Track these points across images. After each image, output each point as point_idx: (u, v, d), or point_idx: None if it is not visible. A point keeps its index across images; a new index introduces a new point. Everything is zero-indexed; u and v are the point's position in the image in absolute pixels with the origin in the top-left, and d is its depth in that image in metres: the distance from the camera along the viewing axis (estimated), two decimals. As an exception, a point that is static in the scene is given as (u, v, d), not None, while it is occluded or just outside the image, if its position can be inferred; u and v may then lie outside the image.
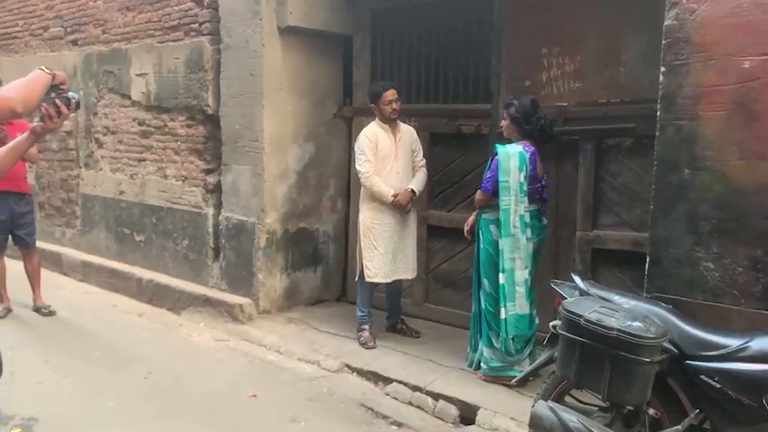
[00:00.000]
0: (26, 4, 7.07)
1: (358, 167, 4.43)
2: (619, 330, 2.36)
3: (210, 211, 5.40)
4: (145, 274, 5.86)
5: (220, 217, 5.33)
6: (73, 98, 2.38)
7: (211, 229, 5.40)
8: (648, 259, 3.16)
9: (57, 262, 6.61)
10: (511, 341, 3.81)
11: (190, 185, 5.55)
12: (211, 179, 5.38)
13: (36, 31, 6.94)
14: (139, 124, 5.93)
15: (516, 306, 3.78)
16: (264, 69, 4.88)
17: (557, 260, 4.36)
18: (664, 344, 2.41)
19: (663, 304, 2.69)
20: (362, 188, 4.50)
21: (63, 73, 2.34)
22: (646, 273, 3.17)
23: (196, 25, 5.29)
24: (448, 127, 4.92)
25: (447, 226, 4.95)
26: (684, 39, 2.97)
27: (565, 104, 4.22)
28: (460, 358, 4.20)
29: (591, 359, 2.46)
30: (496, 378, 3.86)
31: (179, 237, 5.67)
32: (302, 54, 5.12)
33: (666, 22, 3.03)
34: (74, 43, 6.51)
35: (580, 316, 2.47)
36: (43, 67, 2.28)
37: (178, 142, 5.60)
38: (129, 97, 5.96)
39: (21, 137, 2.52)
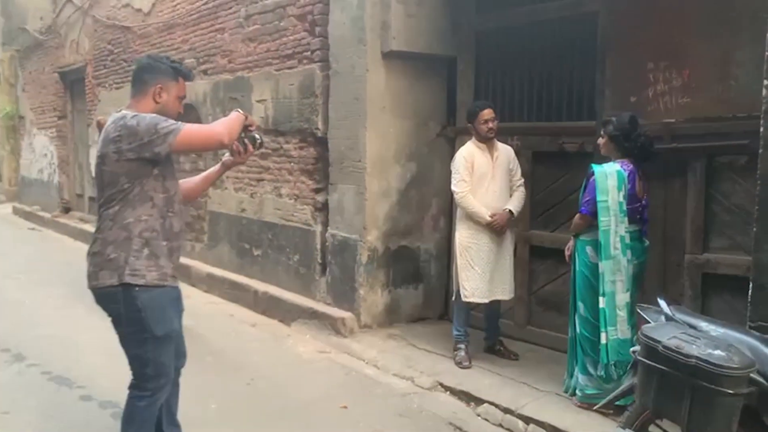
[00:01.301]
0: (166, 39, 7.83)
1: (453, 187, 4.47)
2: (698, 358, 2.22)
3: (318, 228, 5.66)
4: (261, 286, 6.23)
5: (326, 234, 5.57)
6: (258, 139, 2.84)
7: (318, 246, 5.65)
8: (751, 286, 2.94)
9: (186, 274, 7.18)
10: (612, 367, 3.66)
11: (301, 203, 5.85)
12: (320, 198, 5.65)
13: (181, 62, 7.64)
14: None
15: (617, 330, 3.61)
16: (367, 92, 5.07)
17: (665, 285, 4.12)
18: (754, 376, 2.24)
19: (757, 334, 2.49)
20: (458, 207, 4.54)
21: (253, 117, 2.84)
22: (749, 300, 2.94)
23: (309, 53, 5.61)
24: (551, 145, 4.83)
25: (550, 246, 4.84)
26: (790, 49, 2.76)
27: (673, 120, 4.01)
28: (558, 382, 4.08)
29: (670, 388, 2.33)
30: (591, 405, 3.70)
31: (291, 252, 5.98)
32: (405, 77, 5.26)
33: (770, 33, 2.83)
34: (205, 72, 7.11)
35: (659, 342, 2.35)
36: (239, 110, 2.77)
37: (292, 163, 5.93)
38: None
39: (212, 168, 3.05)
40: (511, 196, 4.53)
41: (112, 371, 2.78)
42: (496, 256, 4.47)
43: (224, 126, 2.71)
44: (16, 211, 13.73)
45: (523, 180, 4.61)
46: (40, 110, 13.06)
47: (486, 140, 4.48)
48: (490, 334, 4.76)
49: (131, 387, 2.76)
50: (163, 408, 2.95)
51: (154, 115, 2.62)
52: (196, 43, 7.25)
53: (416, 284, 5.52)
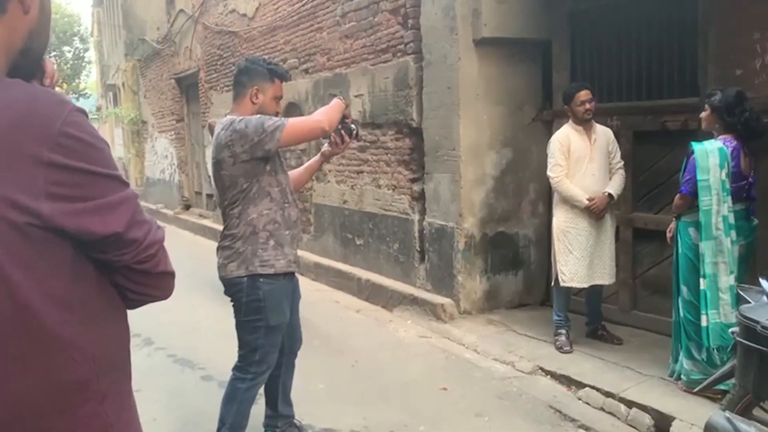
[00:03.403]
0: (270, 41, 8.23)
1: (548, 172, 4.45)
2: (801, 339, 2.15)
3: (416, 217, 5.80)
4: (364, 274, 6.46)
5: (424, 223, 5.69)
6: (354, 129, 3.02)
7: (416, 234, 5.79)
8: None
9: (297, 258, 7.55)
10: (715, 351, 3.55)
11: (398, 193, 6.01)
12: (416, 187, 5.78)
13: (278, 64, 8.01)
14: (358, 140, 6.55)
15: (720, 314, 3.49)
16: (460, 81, 5.13)
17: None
18: None
19: None
20: (555, 192, 4.51)
21: (350, 107, 3.01)
22: None
23: (402, 45, 5.74)
24: (653, 124, 4.68)
25: (654, 228, 4.70)
26: None
27: (782, 92, 3.80)
28: (663, 367, 4.00)
29: (772, 370, 2.26)
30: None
31: (391, 241, 6.16)
32: (497, 63, 5.26)
33: None
34: (306, 71, 7.42)
35: (757, 322, 2.28)
36: (339, 97, 2.95)
37: (389, 155, 6.10)
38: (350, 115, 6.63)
39: (313, 159, 3.31)
40: (610, 179, 4.45)
41: (229, 354, 3.04)
42: (595, 240, 4.41)
43: (324, 114, 2.88)
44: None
45: (622, 162, 4.50)
46: (160, 115, 14.08)
47: (583, 122, 4.42)
48: (591, 318, 4.70)
49: (235, 369, 3.01)
50: (279, 387, 3.20)
51: (258, 115, 2.83)
52: (297, 43, 7.58)
53: (515, 270, 5.53)
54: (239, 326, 2.96)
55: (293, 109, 7.66)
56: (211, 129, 3.03)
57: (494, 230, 5.39)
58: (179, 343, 5.02)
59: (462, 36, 5.10)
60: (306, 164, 3.38)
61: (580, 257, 4.40)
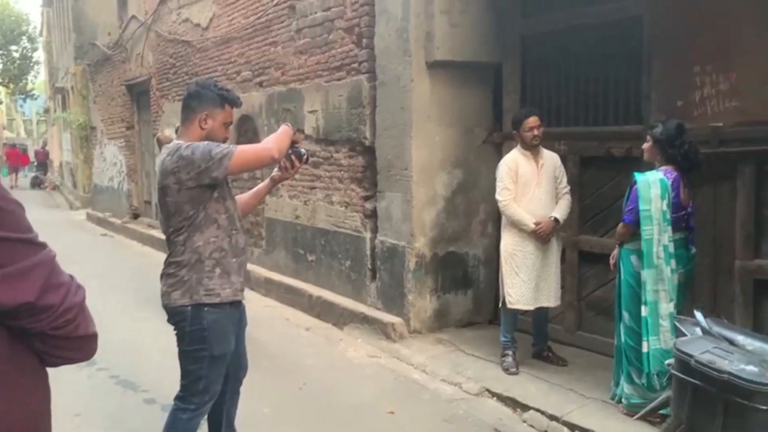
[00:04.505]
0: (224, 52, 8.14)
1: (497, 195, 4.52)
2: (730, 373, 2.23)
3: (368, 234, 5.80)
4: (315, 291, 6.42)
5: (376, 241, 5.70)
6: (305, 154, 2.99)
7: (368, 252, 5.79)
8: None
9: (245, 278, 7.45)
10: (655, 376, 3.64)
11: (351, 211, 6.00)
12: (369, 205, 5.79)
13: (231, 75, 7.95)
14: (311, 155, 6.53)
15: (660, 340, 3.59)
16: (413, 102, 5.17)
17: (715, 292, 4.07)
18: (790, 393, 2.22)
19: (796, 348, 2.46)
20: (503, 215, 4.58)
21: (303, 129, 2.93)
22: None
23: (356, 64, 5.75)
24: (599, 150, 4.80)
25: (599, 251, 4.82)
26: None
27: (721, 124, 3.95)
28: (605, 389, 4.08)
29: (703, 403, 2.35)
30: (636, 414, 3.69)
31: (343, 258, 6.15)
32: (450, 85, 5.33)
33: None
34: (260, 84, 7.36)
35: (692, 356, 2.37)
36: (288, 123, 2.91)
37: (342, 172, 6.10)
38: (302, 132, 6.60)
39: (262, 184, 3.25)
40: (557, 203, 4.54)
41: (175, 375, 2.96)
42: (541, 263, 4.49)
43: (274, 142, 2.85)
44: (89, 218, 14.50)
45: (569, 187, 4.60)
46: (109, 121, 13.76)
47: (531, 147, 4.50)
48: (537, 340, 4.78)
49: (177, 399, 2.94)
50: (223, 416, 3.14)
51: (206, 142, 2.78)
52: (251, 56, 7.51)
53: (465, 289, 5.59)
54: (182, 355, 2.90)
55: (247, 122, 7.60)
56: (160, 143, 2.97)
57: (445, 250, 5.44)
58: (122, 363, 4.89)
59: (415, 58, 5.14)
60: (255, 189, 3.34)
61: (526, 280, 4.47)
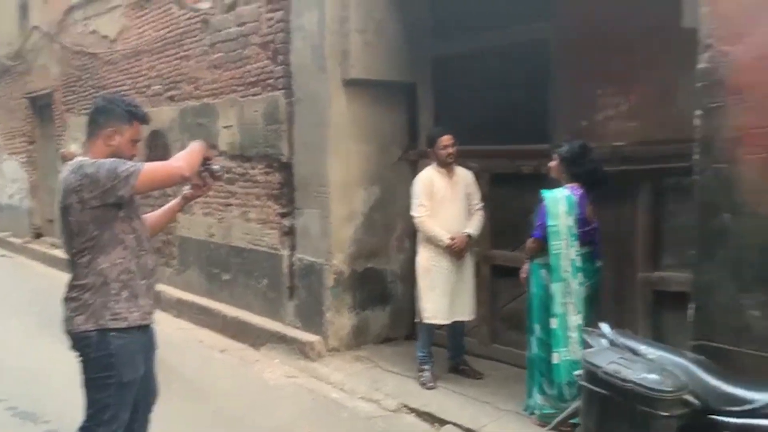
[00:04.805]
0: (134, 65, 7.87)
1: (412, 212, 4.58)
2: (634, 382, 2.34)
3: (285, 252, 5.73)
4: (230, 311, 6.26)
5: (293, 258, 5.63)
6: (219, 171, 2.87)
7: (286, 270, 5.71)
8: (692, 306, 3.07)
9: (156, 299, 7.15)
10: (566, 387, 3.77)
11: (268, 228, 5.91)
12: (286, 222, 5.72)
13: (141, 89, 7.69)
14: (226, 171, 6.39)
15: (569, 351, 3.73)
16: (330, 119, 5.17)
17: (619, 303, 4.27)
18: (687, 398, 2.35)
19: (692, 356, 2.62)
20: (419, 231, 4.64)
21: (211, 150, 2.82)
22: (691, 320, 3.08)
23: (272, 80, 5.70)
24: (509, 167, 4.96)
25: (511, 265, 4.95)
26: (718, 82, 2.93)
27: (621, 144, 4.17)
28: (520, 401, 4.18)
29: (611, 412, 2.44)
30: (549, 424, 3.80)
31: (260, 276, 6.03)
32: (366, 103, 5.37)
33: (700, 65, 2.99)
34: (172, 99, 7.16)
35: (599, 367, 2.46)
36: (201, 140, 2.78)
37: (258, 188, 6.00)
38: (217, 148, 6.46)
39: (173, 202, 3.08)
40: (470, 219, 4.64)
41: (79, 404, 2.80)
42: (456, 278, 4.57)
43: (184, 159, 2.74)
44: (-14, 238, 13.55)
45: (482, 204, 4.72)
46: (9, 135, 12.95)
47: (446, 165, 4.60)
48: (454, 353, 4.85)
49: (82, 429, 2.77)
50: None
51: (112, 159, 2.65)
52: (162, 69, 7.30)
53: (383, 305, 5.61)
54: (87, 383, 2.74)
55: (158, 137, 7.35)
56: (65, 159, 2.81)
57: (363, 266, 5.44)
58: (21, 393, 4.58)
59: (331, 75, 5.15)
60: (166, 207, 3.21)
61: (442, 294, 4.54)
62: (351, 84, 5.21)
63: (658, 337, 3.96)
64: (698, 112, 3.01)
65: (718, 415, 2.34)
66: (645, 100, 4.07)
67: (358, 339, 5.46)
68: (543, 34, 4.62)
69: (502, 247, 5.07)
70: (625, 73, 4.13)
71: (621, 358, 2.49)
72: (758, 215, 2.82)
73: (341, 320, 5.35)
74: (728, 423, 2.30)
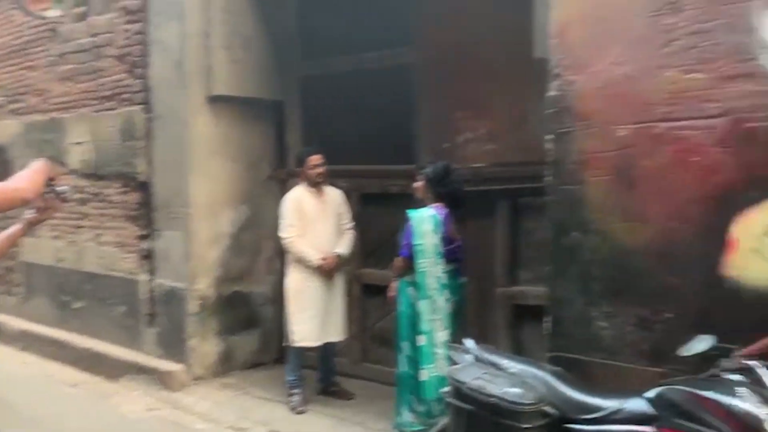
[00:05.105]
0: (-30, 75, 7.14)
1: (280, 233, 4.51)
2: (497, 396, 2.42)
3: (144, 277, 5.40)
4: (83, 341, 5.80)
5: (153, 284, 5.33)
6: (64, 193, 2.56)
7: (145, 296, 5.39)
8: (548, 319, 3.25)
9: (-6, 332, 6.51)
10: (434, 403, 3.83)
11: (125, 252, 5.56)
12: (145, 245, 5.40)
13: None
14: (78, 191, 5.96)
15: (436, 368, 3.80)
16: (193, 136, 4.99)
17: (482, 318, 4.44)
18: (546, 409, 2.47)
19: (550, 368, 2.76)
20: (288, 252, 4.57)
21: (61, 167, 2.51)
22: (547, 332, 3.26)
23: (129, 94, 5.39)
24: (378, 187, 5.04)
25: (381, 284, 4.99)
26: (566, 108, 3.14)
27: (481, 165, 4.37)
28: (390, 419, 4.19)
29: (477, 426, 2.51)
30: (418, 440, 3.86)
31: (116, 304, 5.65)
32: (233, 120, 5.23)
33: (549, 93, 3.20)
34: (15, 112, 6.57)
35: (464, 383, 2.53)
36: (45, 159, 2.46)
37: (113, 209, 5.64)
38: (65, 165, 6.00)
39: (14, 227, 2.70)
40: (340, 238, 4.64)
41: None
42: (327, 298, 4.54)
43: (26, 180, 2.48)
44: None
45: (352, 223, 4.74)
46: None
47: (315, 185, 4.57)
48: (324, 375, 4.80)
49: None
50: None
51: None
52: (4, 80, 6.69)
53: (252, 329, 5.45)
54: None
55: (-1, 153, 6.71)
56: None
57: (230, 290, 5.26)
58: None
59: (194, 91, 4.98)
60: (7, 232, 2.89)
61: (312, 316, 4.49)
62: (216, 101, 5.06)
63: (519, 350, 4.17)
64: (549, 137, 3.21)
65: (573, 423, 2.47)
66: (501, 124, 4.30)
67: (225, 366, 5.26)
68: (407, 59, 4.75)
69: (372, 266, 5.12)
70: (483, 98, 4.35)
71: (485, 373, 2.57)
72: (603, 233, 3.05)
73: (206, 347, 5.13)
74: (582, 431, 2.44)
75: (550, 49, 3.21)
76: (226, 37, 5.02)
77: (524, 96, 4.11)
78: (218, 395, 4.87)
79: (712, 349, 2.43)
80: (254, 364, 5.46)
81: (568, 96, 3.13)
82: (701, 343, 2.47)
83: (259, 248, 5.46)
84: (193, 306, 5.03)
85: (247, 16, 5.14)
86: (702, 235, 2.80)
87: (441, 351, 3.78)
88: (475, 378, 2.54)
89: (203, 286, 5.08)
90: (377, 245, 5.09)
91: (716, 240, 2.76)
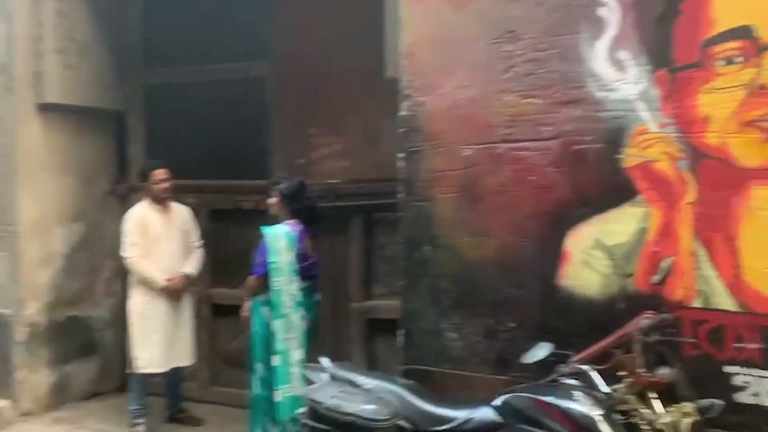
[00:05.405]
0: None
1: (123, 252, 4.23)
2: (353, 414, 2.42)
3: (-39, 304, 4.81)
4: None
5: (-27, 311, 4.76)
6: None
7: (-38, 325, 4.80)
8: (401, 332, 3.32)
9: None
10: (289, 424, 3.75)
11: (-65, 276, 4.91)
12: (-37, 268, 4.81)
13: None
14: None
15: (291, 388, 3.73)
16: (20, 147, 4.54)
17: (336, 333, 4.45)
18: (400, 423, 2.51)
19: (403, 382, 2.82)
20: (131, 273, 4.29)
21: None
22: (401, 345, 3.33)
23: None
24: (229, 203, 4.89)
25: (233, 303, 4.82)
26: (416, 128, 3.25)
27: (335, 181, 4.40)
28: (243, 443, 4.07)
29: (336, 447, 2.49)
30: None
31: (-76, 335, 4.96)
32: (67, 131, 4.83)
33: (401, 113, 3.29)
34: None
35: (320, 402, 2.50)
36: None
37: None
38: None
39: None
40: (188, 258, 4.43)
41: None
42: (174, 321, 4.31)
43: None
44: None
45: (201, 241, 4.54)
46: None
47: (160, 201, 4.33)
48: (171, 402, 4.55)
49: None
50: None
51: None
52: None
53: (89, 357, 5.03)
54: None
55: None
56: None
57: (64, 315, 4.82)
58: None
59: (22, 98, 4.53)
60: None
61: (158, 340, 4.24)
62: (47, 109, 4.64)
63: (374, 364, 4.23)
64: (401, 155, 3.30)
65: (427, 435, 2.53)
66: (356, 141, 4.37)
67: (59, 398, 4.80)
68: (258, 72, 4.68)
69: (223, 285, 4.94)
70: (338, 115, 4.39)
71: (341, 391, 2.56)
72: (451, 247, 3.18)
73: (36, 378, 4.65)
74: (432, 442, 2.51)
75: (401, 70, 3.30)
76: (59, 41, 4.63)
77: (378, 114, 4.20)
78: (49, 431, 4.43)
79: (551, 355, 2.60)
80: (93, 394, 5.04)
81: (418, 116, 3.23)
82: (541, 351, 2.64)
83: (97, 269, 5.07)
84: (20, 334, 4.55)
85: (83, 21, 4.78)
86: (539, 248, 3.01)
87: (296, 370, 3.72)
88: (331, 397, 2.53)
89: (33, 311, 4.61)
90: (228, 264, 4.92)
91: (552, 253, 2.98)
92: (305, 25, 4.44)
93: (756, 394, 2.64)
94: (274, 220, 3.97)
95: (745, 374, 2.65)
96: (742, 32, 2.61)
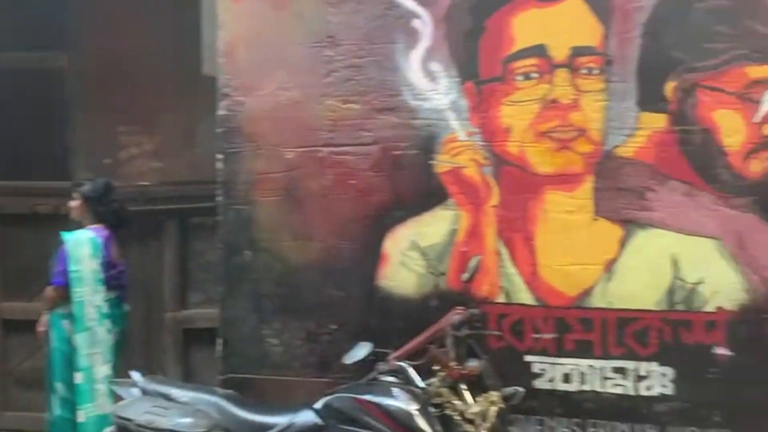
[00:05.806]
0: None
1: None
2: (168, 430, 2.29)
3: None
4: None
5: None
6: None
7: None
8: (220, 341, 3.22)
9: None
10: (94, 445, 3.47)
11: None
12: None
13: None
14: None
15: (97, 406, 3.45)
16: None
17: (149, 345, 4.20)
18: (221, 435, 2.42)
19: (221, 391, 2.73)
20: None
21: None
22: (219, 355, 3.22)
23: None
24: (23, 206, 4.41)
25: (27, 318, 4.35)
26: (236, 129, 3.18)
27: (147, 183, 4.15)
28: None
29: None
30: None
31: None
32: None
33: (219, 112, 3.20)
34: None
35: (131, 420, 2.34)
36: None
37: None
38: None
39: None
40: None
41: None
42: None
43: None
44: None
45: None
46: None
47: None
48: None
49: None
50: None
51: None
52: None
53: None
54: None
55: None
56: None
57: None
58: None
59: None
60: None
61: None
62: None
63: (191, 376, 4.04)
64: (219, 156, 3.21)
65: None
66: (170, 140, 4.15)
67: None
68: (57, 63, 4.27)
69: (15, 299, 4.44)
70: (150, 112, 4.15)
71: (155, 406, 2.42)
72: (273, 251, 3.15)
73: None
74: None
75: (219, 69, 3.20)
76: None
77: (194, 113, 4.05)
78: None
79: (370, 354, 2.66)
80: None
81: (238, 117, 3.16)
82: (361, 350, 2.69)
83: None
84: None
85: None
86: (360, 250, 3.08)
87: (102, 387, 3.44)
88: (143, 413, 2.37)
89: None
90: (21, 274, 4.44)
91: (372, 255, 3.06)
92: (113, 16, 4.13)
93: (551, 380, 2.92)
94: (77, 225, 3.65)
95: (541, 362, 2.92)
96: (538, 50, 2.89)
